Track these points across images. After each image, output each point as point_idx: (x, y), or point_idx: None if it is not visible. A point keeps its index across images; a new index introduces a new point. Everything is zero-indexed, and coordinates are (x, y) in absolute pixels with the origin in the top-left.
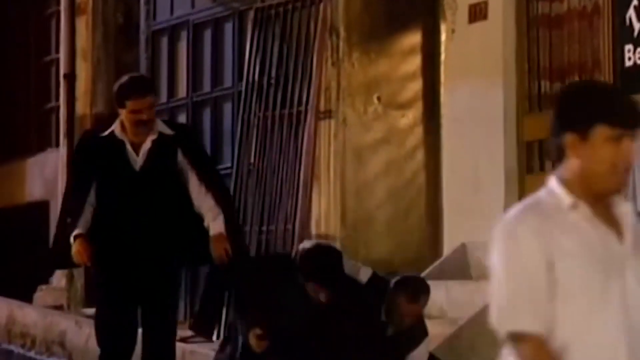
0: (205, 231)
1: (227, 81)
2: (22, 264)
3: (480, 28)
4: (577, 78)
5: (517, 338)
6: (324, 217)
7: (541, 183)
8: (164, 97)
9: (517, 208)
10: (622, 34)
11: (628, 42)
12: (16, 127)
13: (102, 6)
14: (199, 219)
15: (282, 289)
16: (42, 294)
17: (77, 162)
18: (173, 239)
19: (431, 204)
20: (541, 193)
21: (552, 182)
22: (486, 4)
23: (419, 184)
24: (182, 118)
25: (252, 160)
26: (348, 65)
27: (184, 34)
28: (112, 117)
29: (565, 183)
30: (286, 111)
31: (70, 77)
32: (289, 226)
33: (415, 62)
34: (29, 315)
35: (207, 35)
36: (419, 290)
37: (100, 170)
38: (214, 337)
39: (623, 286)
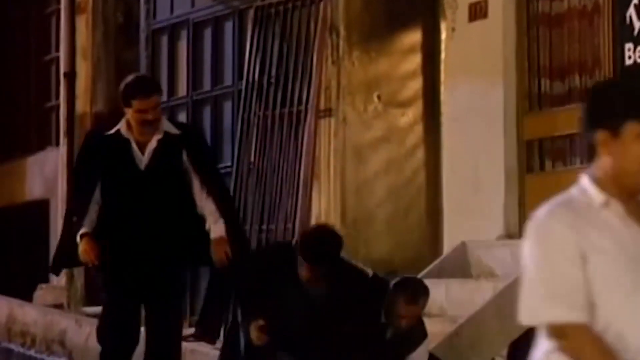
0: (207, 233)
1: (227, 80)
2: (22, 262)
3: (481, 27)
4: (577, 77)
5: (560, 329)
6: (324, 215)
7: (541, 182)
8: (164, 96)
9: (548, 205)
10: (623, 32)
11: (628, 41)
12: (16, 125)
13: (102, 5)
14: (201, 219)
15: (283, 281)
16: (42, 293)
17: (83, 161)
18: (176, 238)
19: (431, 202)
20: (573, 191)
21: (584, 180)
22: (486, 2)
23: (419, 183)
24: (182, 117)
25: (252, 159)
26: (348, 64)
27: (184, 33)
28: (113, 115)
29: (597, 181)
30: (286, 110)
31: (71, 76)
32: (289, 225)
33: (415, 61)
34: (29, 314)
35: (207, 34)
36: (418, 291)
37: (106, 168)
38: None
39: None
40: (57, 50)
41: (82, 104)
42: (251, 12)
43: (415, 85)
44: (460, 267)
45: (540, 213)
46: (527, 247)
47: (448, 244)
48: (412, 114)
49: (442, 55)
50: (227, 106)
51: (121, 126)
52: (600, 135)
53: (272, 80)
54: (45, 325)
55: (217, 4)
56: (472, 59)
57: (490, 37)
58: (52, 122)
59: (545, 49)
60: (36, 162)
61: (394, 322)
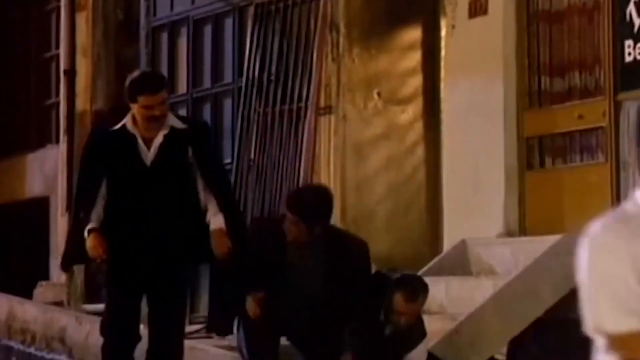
0: (208, 230)
1: (227, 77)
2: (22, 260)
3: (480, 23)
4: (577, 74)
5: (622, 339)
6: None
7: (541, 179)
8: None
9: (603, 219)
10: (622, 29)
11: (628, 38)
12: (16, 123)
13: (102, 2)
14: (202, 216)
15: (275, 254)
16: (42, 290)
17: (89, 156)
18: (179, 236)
19: (431, 200)
20: (627, 205)
21: (638, 194)
22: None
23: (419, 180)
24: (182, 114)
25: (252, 156)
26: (348, 61)
27: (184, 30)
28: (113, 112)
29: None
30: (286, 107)
31: (71, 74)
32: None
33: (415, 58)
34: (29, 311)
35: (207, 31)
36: (417, 289)
37: (112, 164)
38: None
39: None
40: (57, 47)
41: (82, 102)
42: (251, 9)
43: (415, 82)
44: (460, 264)
45: (595, 228)
46: (584, 261)
47: (448, 242)
48: (412, 111)
49: (442, 53)
50: (227, 103)
51: (127, 121)
52: None
53: (272, 77)
54: (45, 323)
55: (217, 1)
56: (472, 56)
57: (490, 34)
58: (52, 119)
59: (545, 46)
60: (36, 160)
61: (393, 319)
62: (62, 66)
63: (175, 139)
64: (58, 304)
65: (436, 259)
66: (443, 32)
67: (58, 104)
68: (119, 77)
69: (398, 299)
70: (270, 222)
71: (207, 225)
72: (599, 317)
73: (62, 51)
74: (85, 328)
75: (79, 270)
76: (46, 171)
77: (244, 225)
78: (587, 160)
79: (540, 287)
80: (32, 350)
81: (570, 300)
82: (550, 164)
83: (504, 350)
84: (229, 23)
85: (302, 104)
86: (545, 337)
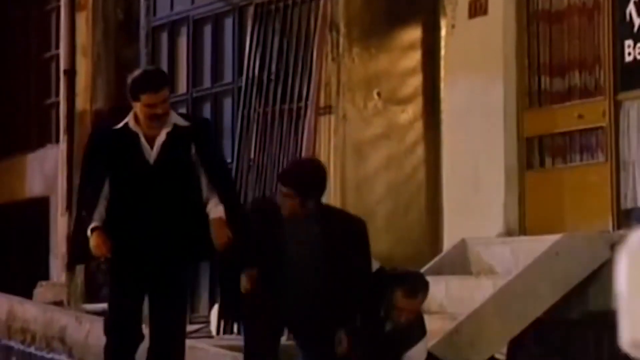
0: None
1: (227, 77)
2: (22, 259)
3: (480, 23)
4: (577, 74)
5: None
6: None
7: (541, 179)
8: None
9: None
10: (622, 29)
11: (628, 38)
12: (16, 123)
13: (102, 2)
14: (203, 215)
15: (271, 230)
16: (42, 290)
17: (90, 156)
18: (181, 235)
19: (431, 199)
20: None
21: None
22: None
23: (418, 180)
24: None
25: (252, 155)
26: (348, 61)
27: (184, 30)
28: (113, 112)
29: None
30: (286, 106)
31: (71, 73)
32: None
33: (415, 58)
34: (29, 311)
35: (207, 30)
36: (417, 285)
37: (114, 163)
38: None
39: None
40: (57, 47)
41: (82, 102)
42: (251, 9)
43: (415, 82)
44: (460, 264)
45: (634, 238)
46: (622, 273)
47: (448, 241)
48: (412, 111)
49: (442, 52)
50: (227, 103)
51: (129, 120)
52: None
53: (272, 77)
54: (45, 323)
55: (217, 0)
56: (472, 55)
57: (490, 34)
58: (52, 119)
59: (545, 45)
60: (36, 160)
61: (393, 315)
62: (62, 66)
63: (178, 137)
64: (58, 303)
65: (436, 259)
66: (443, 32)
67: (58, 103)
68: (119, 77)
69: (398, 295)
70: (267, 200)
71: (206, 223)
72: (637, 330)
73: (62, 51)
74: (85, 328)
75: (79, 270)
76: (46, 171)
77: (245, 217)
78: (587, 160)
79: (540, 287)
80: (32, 350)
81: (569, 300)
82: (550, 164)
83: (504, 350)
84: (229, 23)
85: (302, 104)
86: (545, 337)
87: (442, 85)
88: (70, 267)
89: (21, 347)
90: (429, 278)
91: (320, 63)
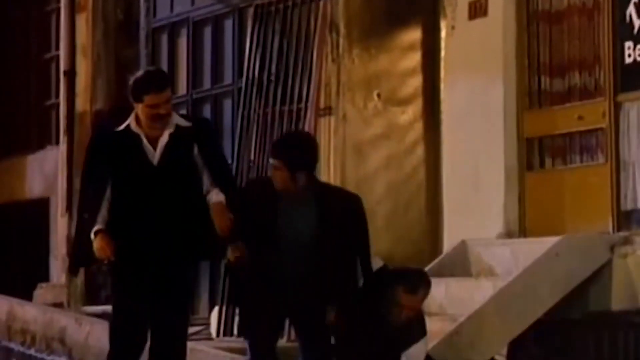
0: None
1: (227, 78)
2: (22, 261)
3: (480, 24)
4: (577, 75)
5: None
6: None
7: (541, 180)
8: None
9: None
10: (622, 30)
11: (628, 39)
12: (16, 123)
13: (102, 3)
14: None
15: (265, 208)
16: (42, 292)
17: (92, 158)
18: (184, 236)
19: (431, 199)
20: None
21: None
22: (486, 0)
23: (418, 180)
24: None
25: (252, 156)
26: (348, 62)
27: (183, 31)
28: (113, 112)
29: None
30: (286, 107)
31: (70, 74)
32: None
33: (415, 58)
34: (29, 312)
35: (207, 32)
36: (418, 282)
37: (117, 165)
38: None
39: None
40: (57, 48)
41: (82, 102)
42: (251, 10)
43: (415, 82)
44: (460, 265)
45: None
46: None
47: (448, 241)
48: (412, 112)
49: (442, 53)
50: (227, 104)
51: (130, 122)
52: None
53: (272, 78)
54: (45, 324)
55: (217, 2)
56: (472, 56)
57: (490, 35)
58: (52, 120)
59: (545, 46)
60: (36, 160)
61: (394, 312)
62: (62, 67)
63: (180, 138)
64: (58, 305)
65: (436, 260)
66: (443, 33)
67: (58, 104)
68: (119, 78)
69: (399, 292)
70: (264, 178)
71: (210, 224)
72: None
73: (62, 52)
74: (85, 329)
75: (79, 271)
76: (46, 172)
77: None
78: (587, 161)
79: (540, 288)
80: (32, 351)
81: (570, 301)
82: (550, 165)
83: (504, 351)
84: (228, 24)
85: (302, 105)
86: (546, 338)
87: (442, 85)
88: (72, 271)
89: (21, 348)
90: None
91: (320, 64)
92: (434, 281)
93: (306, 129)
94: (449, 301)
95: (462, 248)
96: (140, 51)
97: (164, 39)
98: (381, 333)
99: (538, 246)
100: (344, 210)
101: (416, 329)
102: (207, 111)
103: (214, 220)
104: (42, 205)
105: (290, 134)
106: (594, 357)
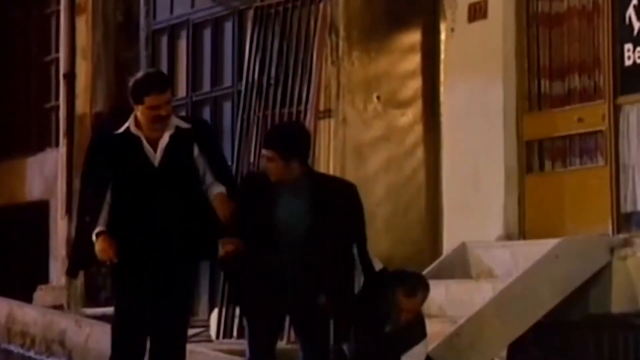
0: (210, 228)
1: (227, 80)
2: (22, 263)
3: (480, 27)
4: (577, 77)
5: None
6: None
7: (541, 182)
8: None
9: None
10: (622, 33)
11: (628, 41)
12: (16, 126)
13: (101, 5)
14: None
15: (261, 198)
16: (41, 294)
17: (92, 161)
18: (185, 237)
19: (431, 201)
20: None
21: None
22: (486, 2)
23: (418, 182)
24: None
25: (251, 159)
26: (348, 64)
27: (183, 33)
28: (113, 112)
29: None
30: (286, 110)
31: (70, 77)
32: None
33: (415, 61)
34: (29, 315)
35: (207, 34)
36: (417, 284)
37: (117, 167)
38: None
39: None
40: (57, 51)
41: (81, 104)
42: (251, 13)
43: (415, 85)
44: (460, 267)
45: None
46: None
47: (448, 243)
48: (411, 114)
49: (442, 55)
50: (227, 106)
51: (130, 124)
52: None
53: (272, 80)
54: (45, 326)
55: (217, 4)
56: (471, 58)
57: (490, 37)
58: (51, 122)
59: (544, 49)
60: (36, 163)
61: (393, 315)
62: (62, 69)
63: (180, 139)
64: (58, 307)
65: (436, 262)
66: (443, 35)
67: (58, 107)
68: (119, 80)
69: (398, 294)
70: (256, 171)
71: (210, 224)
72: None
73: (62, 54)
74: (85, 331)
75: (78, 274)
76: (46, 174)
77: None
78: (586, 164)
79: (540, 290)
80: (31, 353)
81: (569, 303)
82: (549, 167)
83: (504, 353)
84: (228, 26)
85: (302, 107)
86: (545, 340)
87: (441, 88)
88: (72, 273)
89: (21, 350)
90: (429, 281)
91: (320, 66)
92: (434, 283)
93: None
94: (448, 303)
95: (462, 250)
96: (140, 53)
97: (164, 41)
98: (381, 334)
99: (538, 248)
100: (340, 199)
101: (416, 331)
102: (206, 113)
103: (216, 209)
104: (42, 208)
105: (281, 124)
106: (593, 359)
